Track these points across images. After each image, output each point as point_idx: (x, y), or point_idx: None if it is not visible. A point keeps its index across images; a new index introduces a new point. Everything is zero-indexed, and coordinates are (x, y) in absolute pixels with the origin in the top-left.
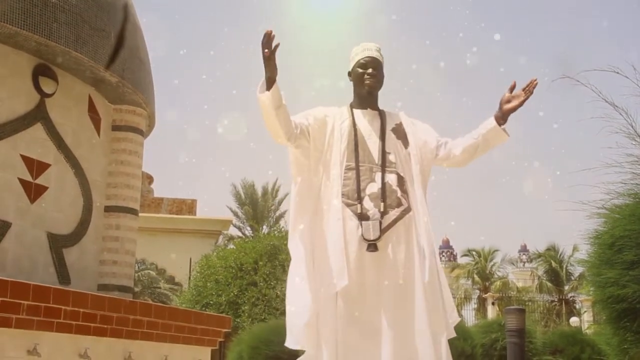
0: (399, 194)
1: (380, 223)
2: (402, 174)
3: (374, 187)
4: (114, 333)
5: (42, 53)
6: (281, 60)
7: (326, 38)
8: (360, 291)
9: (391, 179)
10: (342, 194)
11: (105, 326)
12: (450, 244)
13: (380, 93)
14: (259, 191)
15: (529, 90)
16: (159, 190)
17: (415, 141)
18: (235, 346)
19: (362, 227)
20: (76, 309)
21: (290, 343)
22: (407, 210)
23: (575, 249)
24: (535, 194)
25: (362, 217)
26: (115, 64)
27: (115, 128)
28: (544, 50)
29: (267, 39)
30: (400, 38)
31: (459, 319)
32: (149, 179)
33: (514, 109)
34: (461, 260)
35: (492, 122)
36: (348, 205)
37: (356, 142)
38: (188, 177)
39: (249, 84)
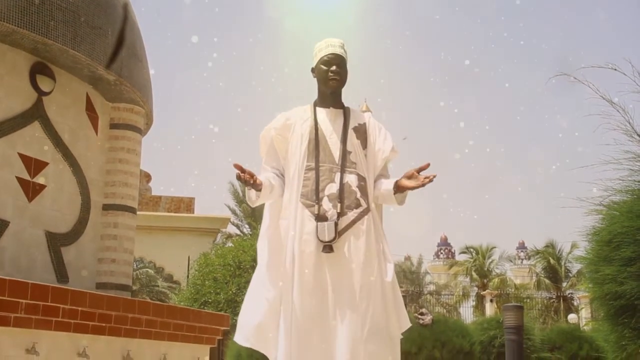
0: (359, 194)
1: (337, 224)
2: (363, 175)
3: (333, 188)
4: (113, 331)
5: (40, 51)
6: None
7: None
8: (317, 292)
9: (351, 179)
10: (302, 195)
11: (104, 324)
12: (449, 241)
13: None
14: None
15: (426, 180)
16: (157, 188)
17: (372, 146)
18: (234, 344)
19: (317, 228)
20: (74, 307)
21: (239, 339)
22: (366, 211)
23: (573, 245)
24: (533, 191)
25: (320, 218)
26: (113, 62)
27: (113, 126)
28: (542, 47)
29: (238, 177)
30: (395, 36)
31: (409, 325)
32: (147, 177)
33: (409, 188)
34: (459, 257)
35: (391, 187)
36: (307, 206)
37: (317, 141)
38: (186, 175)
39: (248, 80)
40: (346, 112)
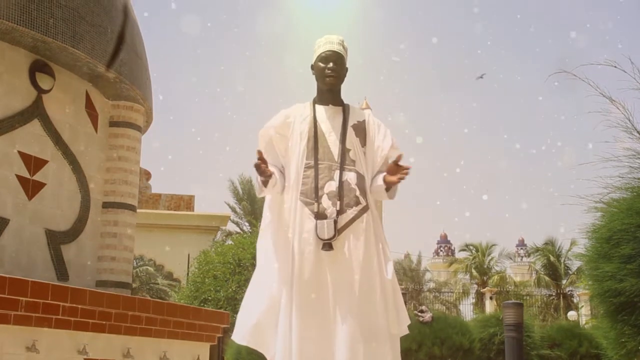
0: (358, 192)
1: (336, 222)
2: (362, 172)
3: (332, 186)
4: (113, 329)
5: (39, 49)
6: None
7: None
8: (317, 290)
9: (350, 177)
10: (301, 193)
11: (104, 322)
12: (448, 238)
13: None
14: None
15: (404, 173)
16: (157, 186)
17: (371, 143)
18: (234, 342)
19: (317, 226)
20: (74, 305)
21: (237, 338)
22: (365, 209)
23: (573, 243)
24: (533, 189)
25: (319, 216)
26: (114, 62)
27: (113, 124)
28: (542, 44)
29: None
30: (396, 37)
31: (409, 322)
32: (147, 175)
33: (394, 183)
34: (459, 254)
35: (382, 182)
36: (306, 204)
37: (316, 139)
38: (186, 173)
39: (248, 77)
40: (345, 110)
